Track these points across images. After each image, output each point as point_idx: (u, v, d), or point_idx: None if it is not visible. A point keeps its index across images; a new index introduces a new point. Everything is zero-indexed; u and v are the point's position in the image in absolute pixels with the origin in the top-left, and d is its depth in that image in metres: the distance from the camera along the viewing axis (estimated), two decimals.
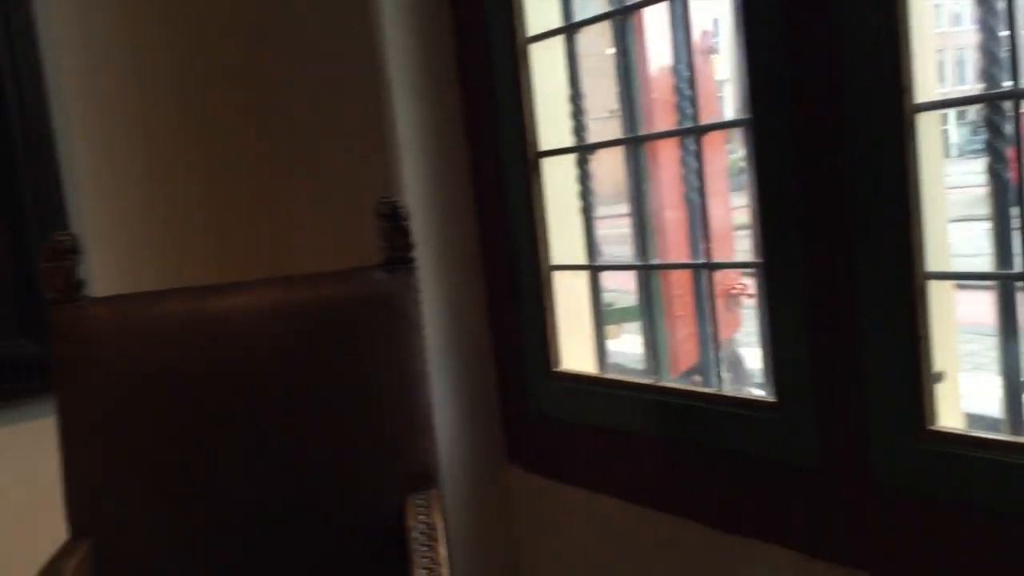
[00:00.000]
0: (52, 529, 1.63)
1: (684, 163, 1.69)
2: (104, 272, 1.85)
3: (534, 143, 1.93)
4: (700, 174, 1.65)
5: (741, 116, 1.51)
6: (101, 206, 2.13)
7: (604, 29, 1.89)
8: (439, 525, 1.58)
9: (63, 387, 1.67)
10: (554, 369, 1.97)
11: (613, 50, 1.79)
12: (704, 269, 1.68)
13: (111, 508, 1.64)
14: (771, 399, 1.53)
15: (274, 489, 1.68)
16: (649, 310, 1.80)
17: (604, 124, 2.04)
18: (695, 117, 1.65)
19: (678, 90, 1.67)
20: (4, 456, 2.02)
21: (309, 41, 2.19)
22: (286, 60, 2.28)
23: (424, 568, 1.50)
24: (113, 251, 2.09)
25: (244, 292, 1.75)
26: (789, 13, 1.40)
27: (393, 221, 1.77)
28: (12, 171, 1.99)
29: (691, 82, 1.64)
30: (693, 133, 1.65)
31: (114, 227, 2.14)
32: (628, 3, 1.74)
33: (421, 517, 1.62)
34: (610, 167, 1.97)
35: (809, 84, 1.40)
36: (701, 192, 1.66)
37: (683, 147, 1.70)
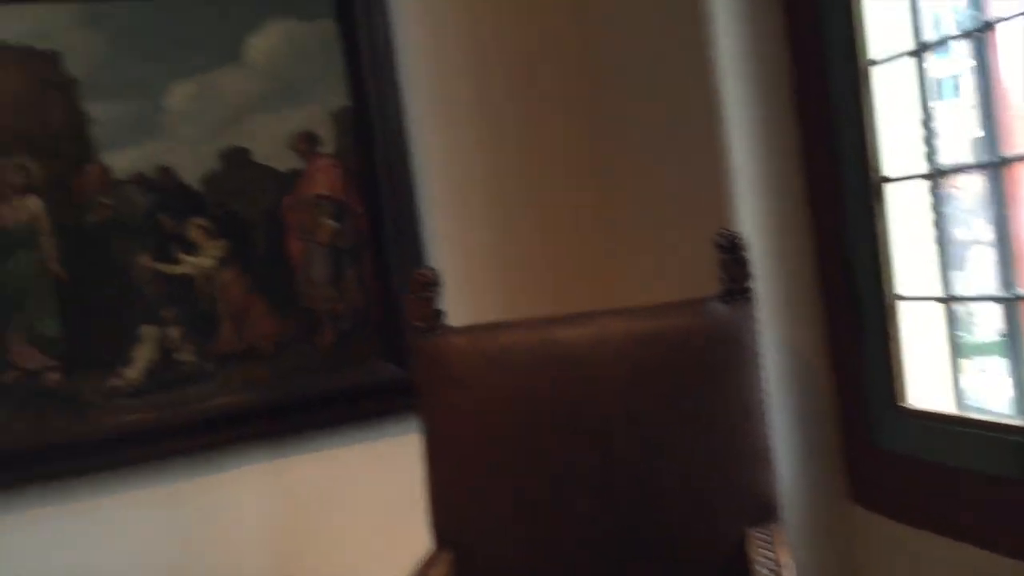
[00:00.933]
0: (416, 538, 1.78)
1: None
2: (453, 303, 1.99)
3: (877, 169, 1.86)
4: None
5: None
6: (452, 242, 2.32)
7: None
8: (787, 563, 1.55)
9: (427, 408, 1.82)
10: (900, 404, 1.86)
11: (966, 68, 1.68)
12: None
13: (471, 520, 1.76)
14: None
15: (618, 513, 1.73)
16: (1015, 344, 1.66)
17: None
18: None
19: None
20: (372, 468, 2.23)
21: (644, 70, 2.24)
22: (621, 92, 2.35)
23: None
24: (461, 283, 2.26)
25: (588, 323, 1.83)
26: None
27: (732, 252, 1.77)
28: (379, 211, 2.22)
29: None
30: None
31: (462, 261, 2.32)
32: (985, 20, 1.64)
33: (766, 552, 1.59)
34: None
35: None
36: None
37: None
